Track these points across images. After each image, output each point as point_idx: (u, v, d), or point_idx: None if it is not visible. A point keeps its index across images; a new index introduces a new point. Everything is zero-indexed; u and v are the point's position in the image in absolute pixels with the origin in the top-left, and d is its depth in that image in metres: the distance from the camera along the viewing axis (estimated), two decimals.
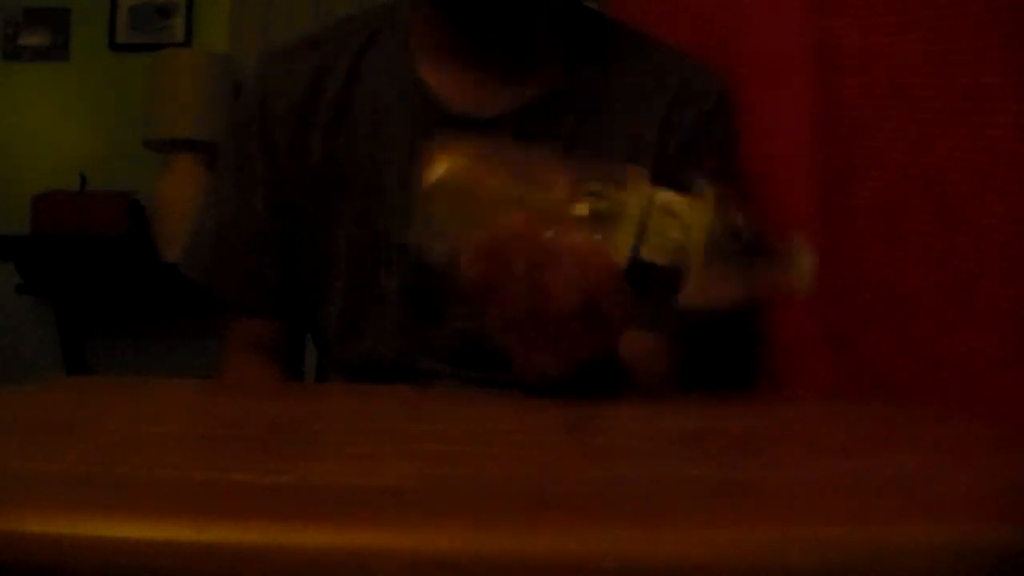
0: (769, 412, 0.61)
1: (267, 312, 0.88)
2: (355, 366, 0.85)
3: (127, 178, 2.60)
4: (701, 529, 0.27)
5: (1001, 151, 0.54)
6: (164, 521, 0.27)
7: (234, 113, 0.91)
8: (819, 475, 0.37)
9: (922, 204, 0.60)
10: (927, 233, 0.60)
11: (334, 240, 0.83)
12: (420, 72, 0.83)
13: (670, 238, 0.54)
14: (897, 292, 0.63)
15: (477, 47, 0.82)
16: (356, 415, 0.56)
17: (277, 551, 0.26)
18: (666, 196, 0.55)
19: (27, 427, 0.45)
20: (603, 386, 0.61)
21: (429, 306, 0.81)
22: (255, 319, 0.88)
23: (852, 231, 0.68)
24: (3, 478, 0.32)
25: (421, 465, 0.37)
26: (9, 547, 0.26)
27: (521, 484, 0.34)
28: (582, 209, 0.55)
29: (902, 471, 0.38)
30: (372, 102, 0.83)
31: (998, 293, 0.54)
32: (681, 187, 0.55)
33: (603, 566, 0.25)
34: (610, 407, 0.58)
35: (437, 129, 0.81)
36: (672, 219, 0.54)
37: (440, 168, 0.57)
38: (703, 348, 0.82)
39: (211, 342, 0.96)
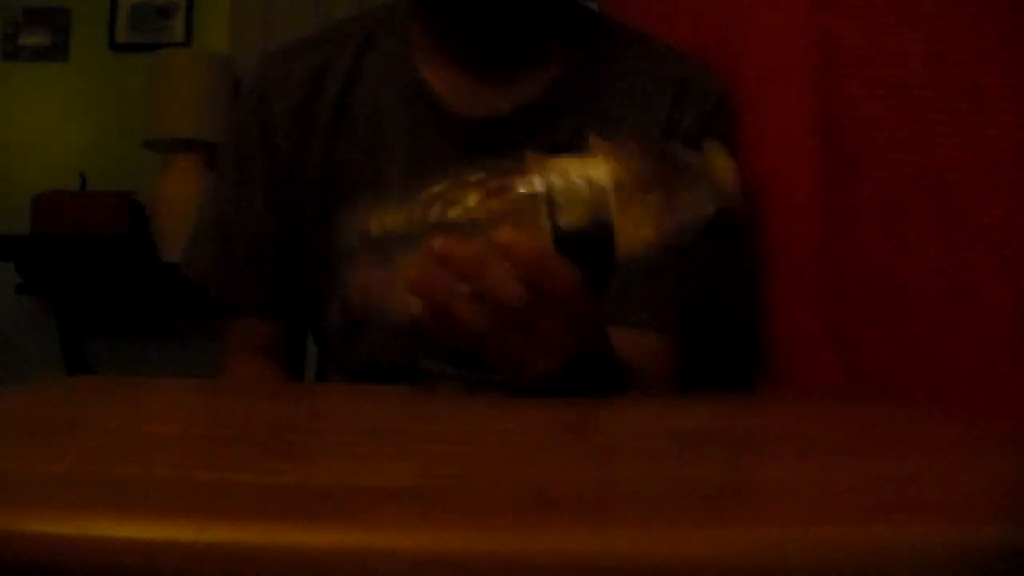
0: (769, 412, 0.61)
1: (267, 312, 0.88)
2: (356, 366, 0.85)
3: (127, 178, 2.60)
4: (701, 529, 0.27)
5: (1001, 151, 0.54)
6: (164, 521, 0.27)
7: (234, 113, 0.91)
8: (819, 475, 0.37)
9: (922, 204, 0.60)
10: (927, 233, 0.60)
11: (334, 240, 0.83)
12: (420, 72, 0.83)
13: (578, 198, 0.54)
14: (897, 292, 0.63)
15: (476, 48, 0.82)
16: (356, 415, 0.56)
17: (277, 551, 0.26)
18: (560, 163, 0.55)
19: (27, 427, 0.45)
20: (602, 386, 0.61)
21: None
22: (255, 319, 0.88)
23: (852, 231, 0.68)
24: (3, 478, 0.32)
25: (421, 465, 0.37)
26: (9, 547, 0.26)
27: (521, 484, 0.34)
28: (492, 205, 0.55)
29: (902, 471, 0.38)
30: (372, 102, 0.83)
31: (998, 293, 0.54)
32: (574, 147, 0.56)
33: (603, 566, 0.25)
34: (610, 407, 0.58)
35: (437, 130, 0.81)
36: (573, 180, 0.54)
37: (358, 228, 0.58)
38: (703, 348, 0.82)
39: (211, 342, 0.96)
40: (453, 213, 0.56)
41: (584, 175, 0.54)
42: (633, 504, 0.31)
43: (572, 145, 0.56)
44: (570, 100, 0.82)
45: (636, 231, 0.54)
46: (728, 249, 0.79)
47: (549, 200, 0.54)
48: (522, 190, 0.55)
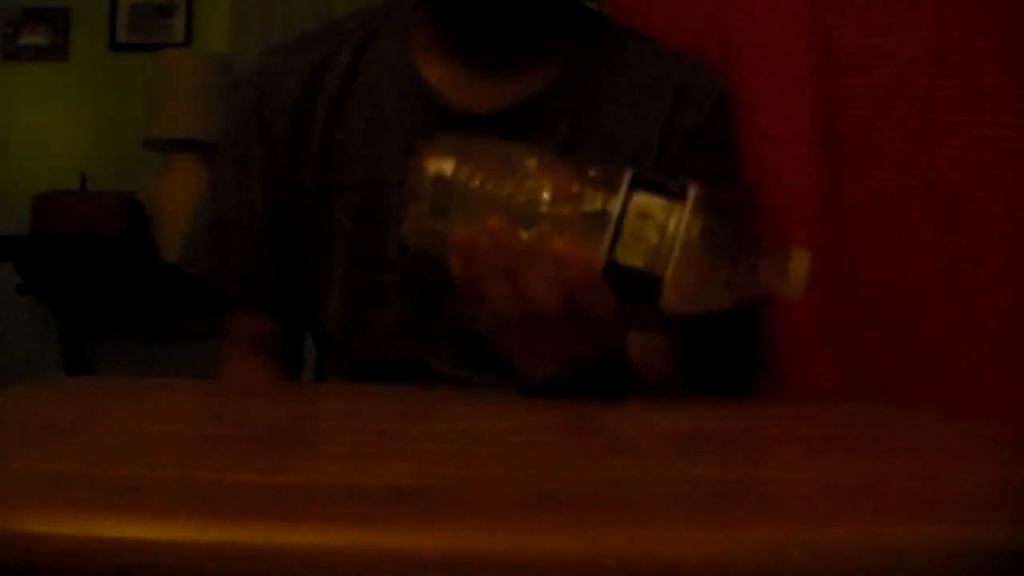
0: (769, 412, 0.61)
1: (265, 307, 0.88)
2: (355, 364, 0.85)
3: (127, 178, 2.60)
4: (701, 529, 0.27)
5: (1001, 151, 0.54)
6: (165, 521, 0.27)
7: (232, 108, 0.91)
8: (819, 475, 0.37)
9: (922, 204, 0.60)
10: (927, 233, 0.60)
11: (332, 236, 0.83)
12: (419, 68, 0.83)
13: (645, 240, 0.54)
14: (897, 292, 0.63)
15: (476, 44, 0.82)
16: (356, 415, 0.56)
17: (277, 551, 0.26)
18: (644, 198, 0.54)
19: (27, 427, 0.45)
20: (611, 387, 0.61)
21: (429, 304, 0.81)
22: (254, 316, 0.88)
23: (852, 231, 0.68)
24: (3, 478, 0.32)
25: (421, 465, 0.37)
26: (9, 547, 0.26)
27: (521, 484, 0.34)
28: (562, 209, 0.55)
29: (902, 471, 0.38)
30: (371, 98, 0.83)
31: (998, 293, 0.54)
32: (669, 189, 0.55)
33: (603, 566, 0.25)
34: (610, 407, 0.58)
35: (435, 125, 0.81)
36: (648, 221, 0.54)
37: (432, 165, 0.57)
38: (704, 348, 0.82)
39: (211, 342, 0.96)
40: (523, 198, 0.56)
41: (661, 222, 0.54)
42: (633, 504, 0.31)
43: (668, 183, 0.55)
44: (569, 98, 0.82)
45: (685, 293, 0.54)
46: None
47: (616, 229, 0.54)
48: (595, 208, 0.55)
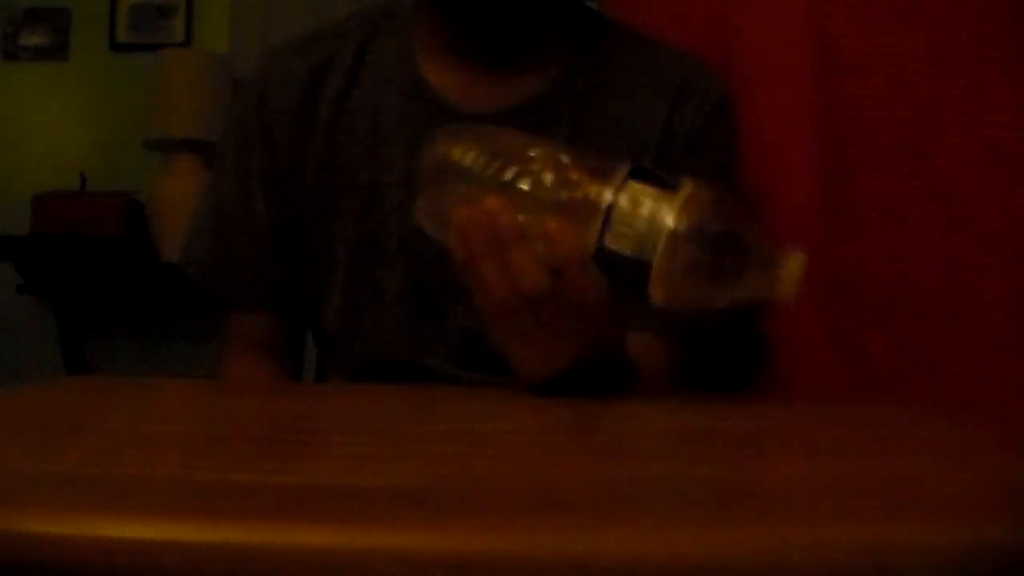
0: (769, 412, 0.61)
1: (266, 307, 0.88)
2: (355, 365, 0.85)
3: (127, 178, 2.60)
4: (701, 529, 0.27)
5: (1001, 151, 0.54)
6: (166, 521, 0.27)
7: (233, 108, 0.91)
8: (819, 475, 0.37)
9: (922, 204, 0.60)
10: (927, 233, 0.60)
11: (333, 237, 0.83)
12: (420, 69, 0.83)
13: (634, 228, 0.54)
14: (897, 292, 0.63)
15: (477, 45, 0.82)
16: (357, 415, 0.56)
17: (278, 551, 0.26)
18: (637, 188, 0.55)
19: (27, 427, 0.45)
20: (610, 385, 0.61)
21: (429, 304, 0.81)
22: (255, 316, 0.88)
23: (852, 231, 0.68)
24: (3, 478, 0.32)
25: (422, 465, 0.37)
26: (9, 547, 0.26)
27: (521, 484, 0.34)
28: (561, 195, 0.56)
29: (902, 471, 0.38)
30: (372, 99, 0.83)
31: (998, 293, 0.54)
32: (664, 182, 0.55)
33: (603, 566, 0.25)
34: (610, 407, 0.58)
35: (437, 126, 0.81)
36: (639, 211, 0.54)
37: (441, 149, 0.58)
38: (704, 348, 0.82)
39: (211, 342, 0.96)
40: (525, 184, 0.56)
41: (651, 211, 0.54)
42: (633, 504, 0.31)
43: (665, 176, 0.55)
44: (569, 98, 0.82)
45: (672, 284, 0.54)
46: None
47: (607, 217, 0.54)
48: (591, 196, 0.55)
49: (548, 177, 0.56)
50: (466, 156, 0.58)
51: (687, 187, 0.54)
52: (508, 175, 0.57)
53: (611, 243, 0.54)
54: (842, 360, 0.71)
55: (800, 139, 0.76)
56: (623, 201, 0.54)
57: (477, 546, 0.26)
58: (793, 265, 0.53)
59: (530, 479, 0.35)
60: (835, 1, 0.71)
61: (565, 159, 0.57)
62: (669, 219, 0.53)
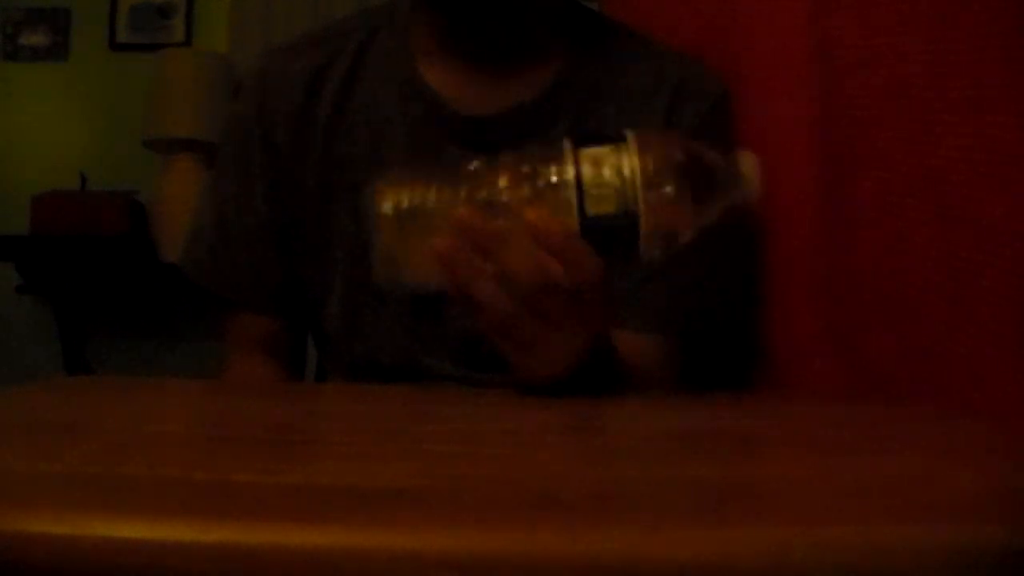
0: (769, 412, 0.61)
1: (267, 308, 0.88)
2: (355, 365, 0.85)
3: (127, 178, 2.60)
4: (701, 529, 0.27)
5: (1001, 151, 0.54)
6: (166, 521, 0.27)
7: (233, 109, 0.91)
8: (819, 475, 0.37)
9: (922, 204, 0.60)
10: (927, 233, 0.60)
11: (333, 237, 0.83)
12: (419, 70, 0.83)
13: (608, 186, 0.55)
14: (897, 292, 0.63)
15: (476, 46, 0.82)
16: (357, 415, 0.56)
17: (278, 551, 0.26)
18: (592, 152, 0.56)
19: (27, 427, 0.45)
20: (602, 386, 0.61)
21: (428, 305, 0.81)
22: (256, 316, 0.88)
23: (852, 231, 0.68)
24: (3, 478, 0.32)
25: (422, 465, 0.37)
26: (9, 547, 0.26)
27: (521, 484, 0.34)
28: (523, 190, 0.56)
29: (902, 471, 0.38)
30: (372, 101, 0.83)
31: (998, 293, 0.54)
32: (609, 138, 0.56)
33: (603, 566, 0.25)
34: (610, 407, 0.58)
35: (436, 127, 0.81)
36: (603, 169, 0.55)
37: (386, 200, 0.58)
38: (703, 348, 0.82)
39: (211, 342, 0.96)
40: (482, 194, 0.57)
41: (615, 165, 0.55)
42: (633, 504, 0.31)
43: (607, 135, 0.57)
44: (569, 99, 0.82)
45: (661, 224, 0.55)
46: (728, 251, 0.79)
47: (579, 188, 0.55)
48: (553, 178, 0.56)
49: (502, 181, 0.57)
50: (416, 196, 0.58)
51: (631, 134, 0.56)
52: (463, 194, 0.57)
53: (594, 208, 0.55)
54: (841, 359, 0.71)
55: (799, 139, 0.76)
56: (585, 168, 0.55)
57: (476, 546, 0.26)
58: (749, 164, 0.57)
59: (530, 479, 0.35)
60: (835, 2, 0.71)
61: (506, 160, 0.58)
62: (635, 162, 0.55)
